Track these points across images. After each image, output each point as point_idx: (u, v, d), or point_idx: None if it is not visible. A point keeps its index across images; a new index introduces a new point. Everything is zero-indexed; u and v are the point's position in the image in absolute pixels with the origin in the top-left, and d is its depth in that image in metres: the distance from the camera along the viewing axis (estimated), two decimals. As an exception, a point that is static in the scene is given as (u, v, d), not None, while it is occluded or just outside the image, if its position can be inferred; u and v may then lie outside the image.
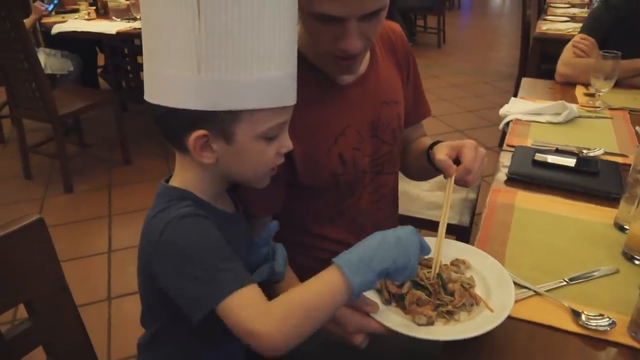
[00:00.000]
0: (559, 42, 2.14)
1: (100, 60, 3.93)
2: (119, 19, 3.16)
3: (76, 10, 3.44)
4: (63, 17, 3.23)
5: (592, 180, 1.14)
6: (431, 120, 1.25)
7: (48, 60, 3.16)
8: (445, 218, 0.83)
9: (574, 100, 1.66)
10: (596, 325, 0.74)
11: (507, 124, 1.53)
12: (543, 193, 1.11)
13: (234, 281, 0.62)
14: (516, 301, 0.74)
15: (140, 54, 3.17)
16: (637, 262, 0.88)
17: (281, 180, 0.88)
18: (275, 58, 0.66)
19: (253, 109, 0.66)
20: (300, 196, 0.94)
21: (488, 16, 8.91)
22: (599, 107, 1.59)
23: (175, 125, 0.68)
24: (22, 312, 0.75)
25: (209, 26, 0.61)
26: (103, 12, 3.39)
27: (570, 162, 1.19)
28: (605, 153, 1.29)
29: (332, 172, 0.93)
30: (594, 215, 1.03)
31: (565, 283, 0.83)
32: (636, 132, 1.42)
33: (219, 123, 0.66)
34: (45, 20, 3.15)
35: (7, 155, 3.30)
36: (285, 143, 0.73)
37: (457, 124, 3.67)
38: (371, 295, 0.75)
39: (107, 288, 2.04)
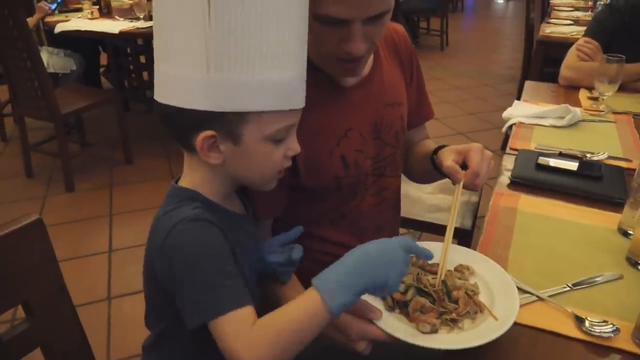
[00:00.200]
0: (563, 45, 2.13)
1: (103, 59, 3.93)
2: (121, 19, 3.16)
3: (79, 10, 3.44)
4: (66, 16, 3.23)
5: (595, 185, 1.13)
6: (434, 122, 1.25)
7: (51, 59, 3.17)
8: (452, 225, 0.83)
9: (577, 103, 1.65)
10: (600, 332, 0.73)
11: (510, 127, 1.52)
12: (546, 197, 1.10)
13: (232, 300, 0.63)
14: (519, 306, 0.74)
15: (143, 53, 3.17)
16: (641, 267, 0.88)
17: (284, 183, 0.88)
18: (284, 60, 0.66)
19: (260, 110, 0.65)
20: (302, 199, 0.94)
21: (491, 19, 8.90)
22: (602, 111, 1.58)
23: (183, 125, 0.68)
24: (21, 311, 0.75)
25: (219, 26, 0.61)
26: (106, 12, 3.39)
27: (573, 166, 1.18)
28: (609, 157, 1.28)
29: (334, 175, 0.92)
30: (597, 220, 1.02)
31: (568, 288, 0.83)
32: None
33: (227, 124, 0.66)
34: (48, 19, 3.15)
35: (9, 153, 3.30)
36: (293, 146, 0.73)
37: (459, 127, 3.66)
38: (375, 301, 0.74)
39: (107, 288, 2.04)
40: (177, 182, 0.75)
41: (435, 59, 5.63)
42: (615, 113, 1.58)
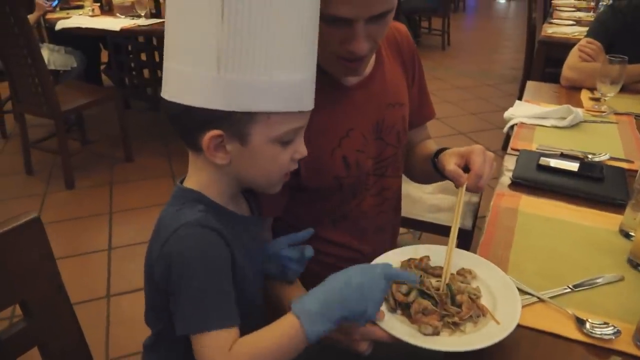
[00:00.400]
0: (565, 45, 2.13)
1: (104, 57, 3.93)
2: (123, 16, 3.16)
3: (80, 7, 3.44)
4: (67, 13, 3.23)
5: (597, 186, 1.12)
6: (435, 122, 1.24)
7: (51, 56, 3.16)
8: (456, 228, 0.83)
9: (579, 104, 1.64)
10: (601, 334, 0.73)
11: (512, 127, 1.52)
12: (547, 198, 1.10)
13: (220, 319, 0.64)
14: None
15: (144, 51, 3.17)
16: (642, 269, 0.87)
17: (286, 183, 0.87)
18: (295, 61, 0.65)
19: (269, 111, 0.65)
20: (303, 199, 0.93)
21: (493, 19, 8.89)
22: (604, 112, 1.58)
23: (190, 124, 0.67)
24: (20, 310, 0.74)
25: (232, 26, 0.61)
26: (107, 9, 3.39)
27: (574, 167, 1.18)
28: (611, 158, 1.27)
29: (336, 175, 0.92)
30: (598, 222, 1.02)
31: (569, 290, 0.82)
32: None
33: (235, 123, 0.65)
34: (49, 16, 3.15)
35: (9, 150, 3.30)
36: (300, 149, 0.72)
37: (460, 127, 3.65)
38: None
39: (106, 285, 2.04)
40: (182, 182, 0.75)
41: (436, 59, 5.62)
42: (617, 114, 1.58)
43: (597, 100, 1.65)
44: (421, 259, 0.84)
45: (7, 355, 0.69)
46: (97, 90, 3.18)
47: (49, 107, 2.61)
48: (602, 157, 1.28)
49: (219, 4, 0.60)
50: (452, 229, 0.83)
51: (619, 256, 0.91)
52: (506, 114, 1.58)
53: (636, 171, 1.01)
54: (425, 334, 0.69)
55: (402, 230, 1.30)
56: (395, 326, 0.70)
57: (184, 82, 0.65)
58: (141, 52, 3.74)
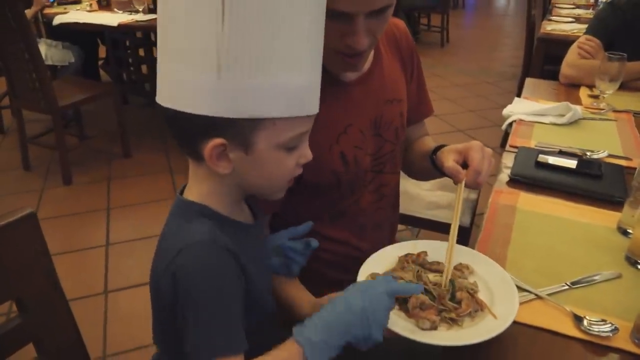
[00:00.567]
0: (564, 43, 2.12)
1: (102, 52, 3.91)
2: (120, 11, 3.15)
3: (78, 2, 3.42)
4: (65, 8, 3.21)
5: (595, 183, 1.12)
6: (433, 119, 1.24)
7: (49, 51, 3.15)
8: (456, 224, 0.83)
9: (578, 101, 1.64)
10: (598, 331, 0.73)
11: (510, 124, 1.52)
12: (546, 195, 1.10)
13: (227, 345, 0.61)
14: (518, 304, 0.73)
15: (142, 46, 3.15)
16: (640, 267, 0.87)
17: None
18: (302, 63, 0.62)
19: (276, 117, 0.61)
20: (301, 195, 0.93)
21: (492, 16, 8.88)
22: (603, 109, 1.58)
23: (190, 132, 0.63)
24: (16, 306, 0.74)
25: (234, 26, 0.57)
26: (105, 4, 3.37)
27: (573, 164, 1.18)
28: (609, 156, 1.27)
29: (333, 171, 0.92)
30: (597, 219, 1.02)
31: (567, 287, 0.82)
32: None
33: (239, 131, 0.61)
34: (47, 10, 3.14)
35: (6, 146, 3.29)
36: (305, 153, 0.69)
37: (459, 124, 3.65)
38: None
39: (104, 281, 2.03)
40: (182, 192, 0.71)
41: (435, 56, 5.61)
42: (615, 111, 1.57)
43: (595, 97, 1.65)
44: (418, 255, 0.84)
45: (2, 351, 0.69)
46: (94, 85, 3.16)
47: (47, 102, 2.60)
48: (601, 155, 1.28)
49: (219, 3, 0.57)
50: (452, 226, 0.83)
51: (617, 253, 0.91)
52: (505, 111, 1.58)
53: (634, 168, 1.01)
54: (423, 329, 0.69)
55: (400, 227, 1.30)
56: (393, 320, 0.70)
57: (182, 87, 0.61)
58: (139, 47, 3.73)
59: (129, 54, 3.77)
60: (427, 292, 0.75)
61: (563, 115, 1.47)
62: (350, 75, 0.92)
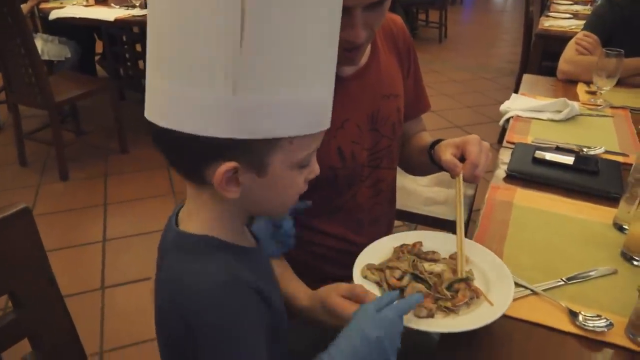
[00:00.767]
0: (562, 39, 2.12)
1: (99, 47, 3.90)
2: (117, 6, 3.13)
3: (75, -4, 3.40)
4: (61, 3, 3.19)
5: (592, 179, 1.12)
6: (431, 115, 1.24)
7: (45, 46, 3.13)
8: (461, 218, 0.83)
9: (575, 97, 1.64)
10: (593, 326, 0.73)
11: (508, 120, 1.52)
12: (542, 191, 1.10)
13: None
14: (513, 300, 0.73)
15: (139, 41, 3.11)
16: (635, 263, 0.88)
17: None
18: (321, 76, 0.58)
19: (293, 135, 0.56)
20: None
21: (490, 12, 8.87)
22: (600, 105, 1.58)
23: (195, 155, 0.56)
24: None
25: (254, 43, 0.51)
26: (102, -1, 3.36)
27: (570, 160, 1.18)
28: (606, 152, 1.28)
29: (330, 166, 0.91)
30: (593, 215, 1.02)
31: (562, 283, 0.83)
32: (638, 131, 1.41)
33: (254, 153, 0.56)
34: (43, 5, 3.12)
35: (2, 141, 3.28)
36: (314, 168, 0.64)
37: (457, 120, 3.65)
38: (371, 287, 0.75)
39: (100, 277, 2.03)
40: (177, 217, 0.65)
41: (433, 52, 5.61)
42: (613, 107, 1.58)
43: (593, 93, 1.65)
44: (414, 245, 0.85)
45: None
46: (91, 81, 3.15)
47: (43, 97, 2.59)
48: (598, 151, 1.28)
49: (238, 16, 0.50)
50: (458, 220, 0.83)
51: (613, 249, 0.91)
52: (502, 107, 1.58)
53: (631, 165, 1.01)
54: (420, 317, 0.70)
55: (397, 222, 1.30)
56: None
57: (187, 107, 0.54)
58: (136, 42, 3.70)
59: (125, 49, 3.75)
60: (423, 280, 0.76)
61: (560, 112, 1.47)
62: (347, 70, 0.92)
